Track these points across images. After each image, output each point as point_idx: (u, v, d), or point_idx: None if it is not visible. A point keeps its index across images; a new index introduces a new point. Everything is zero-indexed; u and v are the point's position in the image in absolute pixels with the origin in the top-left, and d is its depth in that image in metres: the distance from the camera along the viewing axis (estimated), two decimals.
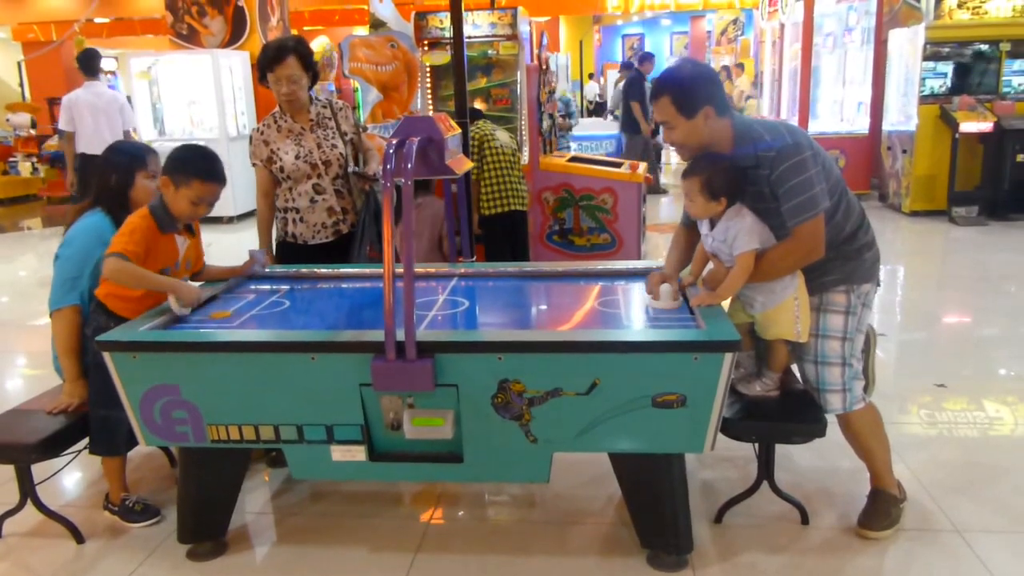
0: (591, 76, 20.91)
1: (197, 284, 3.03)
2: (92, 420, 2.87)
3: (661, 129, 9.67)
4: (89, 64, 7.36)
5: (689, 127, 2.54)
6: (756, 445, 2.80)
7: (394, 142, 2.43)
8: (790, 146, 2.47)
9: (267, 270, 3.35)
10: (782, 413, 2.75)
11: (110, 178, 3.02)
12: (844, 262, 2.65)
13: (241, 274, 3.27)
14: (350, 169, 3.64)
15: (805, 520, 2.84)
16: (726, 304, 2.66)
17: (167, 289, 2.76)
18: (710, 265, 2.77)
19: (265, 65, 3.44)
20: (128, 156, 3.05)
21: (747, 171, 2.54)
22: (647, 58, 11.34)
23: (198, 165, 2.83)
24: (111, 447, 2.90)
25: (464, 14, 3.94)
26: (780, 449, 2.82)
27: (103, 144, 7.23)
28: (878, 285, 2.77)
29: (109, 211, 2.99)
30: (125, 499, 3.01)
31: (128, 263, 2.67)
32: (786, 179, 2.46)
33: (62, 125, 7.33)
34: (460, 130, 2.87)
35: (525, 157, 6.04)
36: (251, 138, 3.61)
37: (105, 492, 3.05)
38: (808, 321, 2.64)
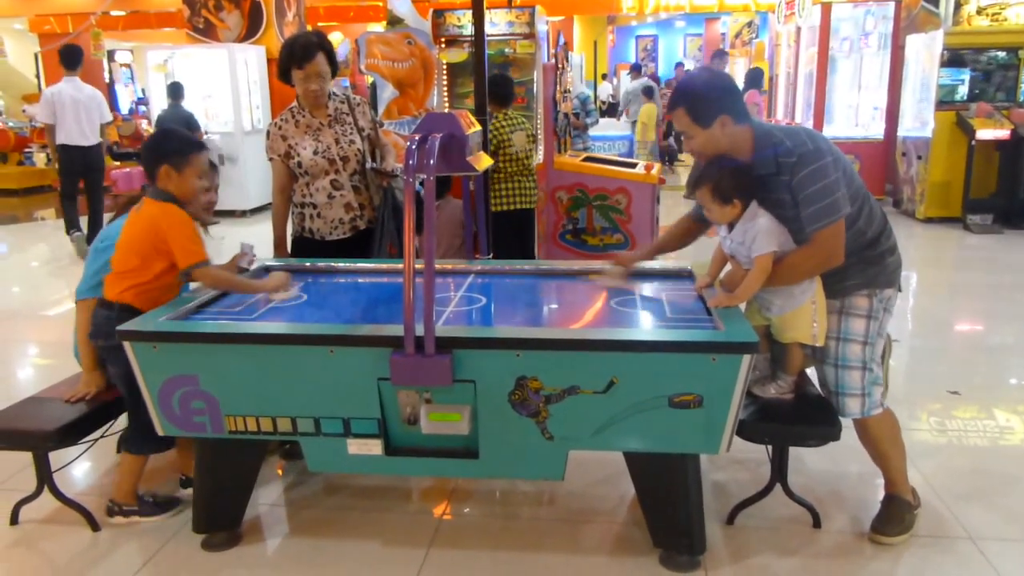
0: (604, 76, 20.92)
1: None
2: (131, 421, 2.90)
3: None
4: (71, 59, 7.46)
5: (706, 136, 2.55)
6: (769, 447, 2.81)
7: (416, 138, 2.44)
8: (810, 152, 2.46)
9: (254, 267, 3.25)
10: (796, 416, 2.75)
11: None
12: (866, 267, 2.65)
13: (230, 269, 3.19)
14: (368, 165, 3.64)
15: (817, 523, 2.84)
16: (743, 306, 2.66)
17: (258, 291, 2.86)
18: (727, 267, 2.78)
19: (292, 62, 3.41)
20: None
21: (767, 178, 2.54)
22: (719, 55, 11.42)
23: (183, 140, 2.88)
24: (157, 445, 2.90)
25: None
26: (792, 452, 2.82)
27: (83, 136, 7.38)
28: (899, 291, 2.76)
29: None
30: (141, 497, 2.98)
31: (215, 268, 2.77)
32: (806, 185, 2.46)
33: (44, 118, 7.44)
34: (480, 127, 2.88)
35: (540, 156, 6.05)
36: (268, 132, 3.60)
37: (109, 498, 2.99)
38: (825, 325, 2.64)
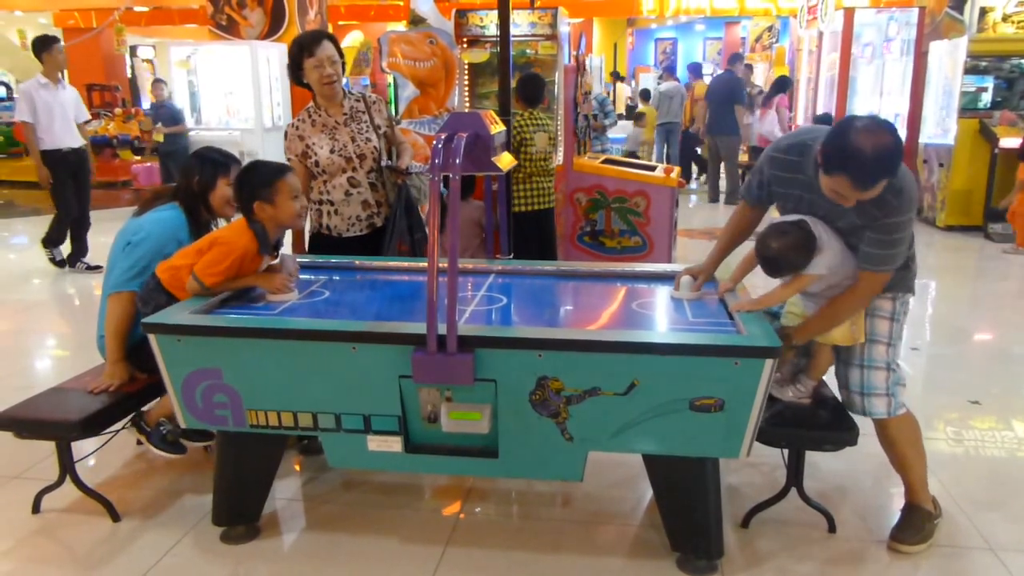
0: (621, 78, 20.84)
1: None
2: None
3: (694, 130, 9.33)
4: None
5: (862, 195, 2.39)
6: (785, 451, 2.80)
7: (442, 137, 2.45)
8: (907, 204, 2.48)
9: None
10: (814, 420, 2.75)
11: (193, 179, 3.13)
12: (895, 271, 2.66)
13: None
14: (383, 162, 3.66)
15: (832, 529, 2.83)
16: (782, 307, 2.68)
17: (248, 285, 2.89)
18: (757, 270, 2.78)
19: (304, 49, 3.45)
20: (213, 163, 3.17)
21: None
22: (737, 58, 11.49)
23: (269, 170, 2.92)
24: None
25: None
26: (807, 457, 2.81)
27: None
28: (913, 294, 2.80)
29: (186, 209, 3.13)
30: (160, 424, 3.02)
31: (208, 291, 2.80)
32: (888, 230, 2.47)
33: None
34: (504, 127, 2.89)
35: (560, 158, 6.05)
36: (286, 133, 3.64)
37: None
38: (863, 326, 2.66)
